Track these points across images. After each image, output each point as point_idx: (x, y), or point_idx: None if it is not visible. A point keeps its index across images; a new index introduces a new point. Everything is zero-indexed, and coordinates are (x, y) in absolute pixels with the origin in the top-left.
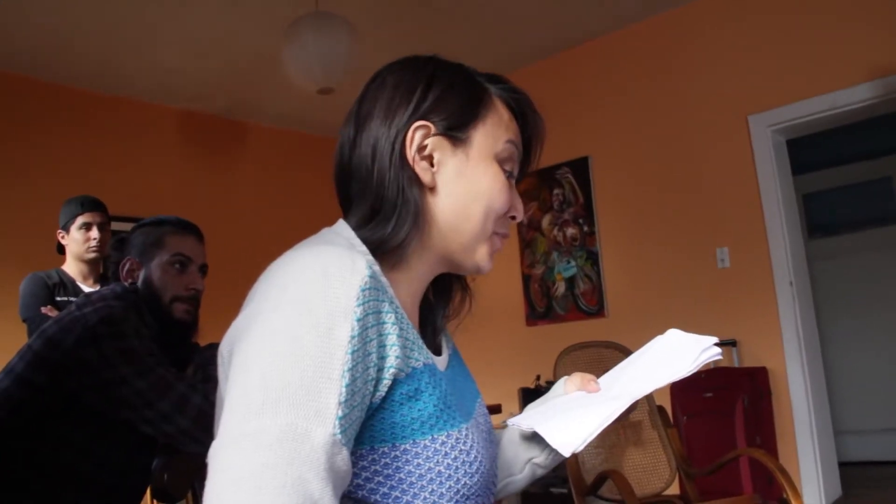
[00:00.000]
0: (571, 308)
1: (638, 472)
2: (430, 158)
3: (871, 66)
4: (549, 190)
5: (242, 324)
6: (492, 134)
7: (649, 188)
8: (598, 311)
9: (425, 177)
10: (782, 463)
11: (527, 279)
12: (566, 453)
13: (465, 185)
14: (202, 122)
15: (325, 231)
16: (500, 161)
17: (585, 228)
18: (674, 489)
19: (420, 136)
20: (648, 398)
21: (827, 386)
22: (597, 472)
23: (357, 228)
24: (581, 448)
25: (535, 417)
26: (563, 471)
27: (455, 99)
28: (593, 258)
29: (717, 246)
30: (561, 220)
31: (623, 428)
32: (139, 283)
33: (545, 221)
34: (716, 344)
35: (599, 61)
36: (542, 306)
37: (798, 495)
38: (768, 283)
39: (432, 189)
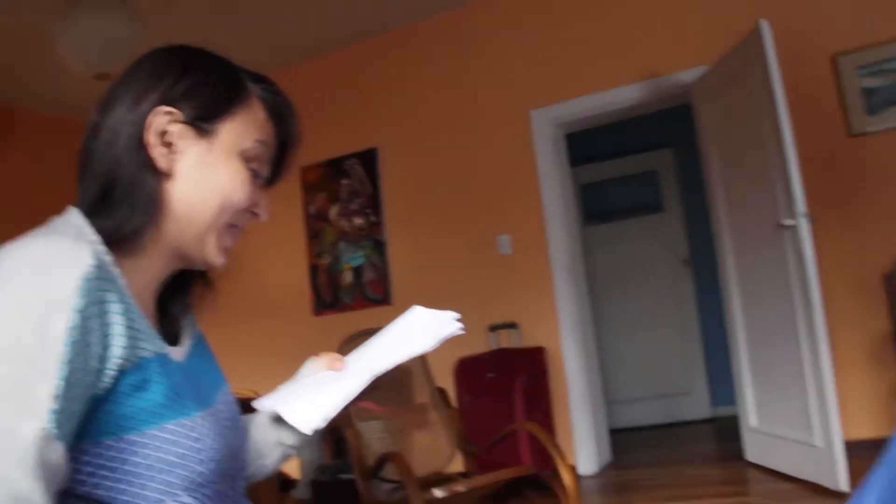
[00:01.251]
0: (358, 297)
1: (421, 453)
2: (171, 145)
3: (640, 68)
4: (338, 181)
5: None
6: (241, 131)
7: (435, 179)
8: (384, 299)
9: (162, 162)
10: (560, 434)
11: (314, 269)
12: (306, 430)
13: (204, 175)
14: None
15: (55, 221)
16: (247, 159)
17: (373, 218)
18: (459, 467)
19: (163, 121)
20: (429, 381)
21: (601, 361)
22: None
23: (89, 215)
24: (322, 425)
25: (278, 398)
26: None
27: (207, 90)
28: (380, 248)
29: (498, 233)
30: (349, 210)
31: (406, 412)
32: None
33: (333, 212)
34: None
35: (389, 55)
36: (329, 296)
37: (564, 462)
38: (547, 269)
39: (169, 176)
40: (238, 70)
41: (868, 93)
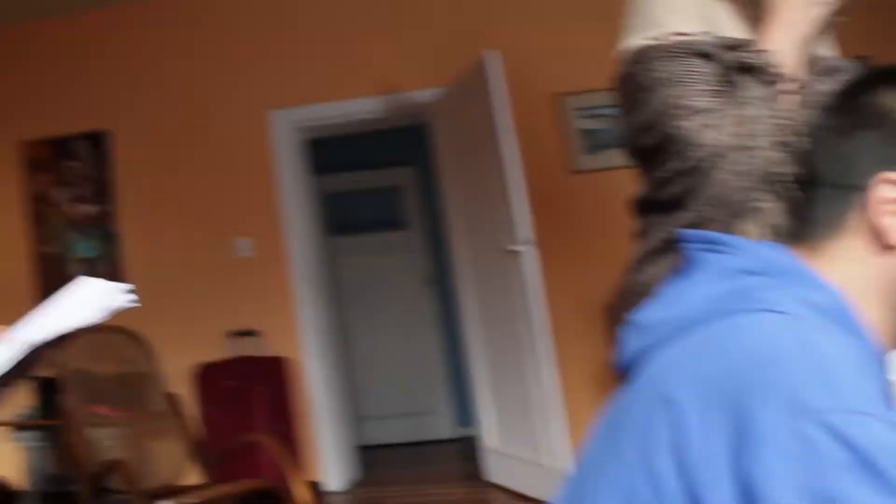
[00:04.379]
0: None
1: (155, 463)
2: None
3: (381, 82)
4: (66, 161)
5: None
6: None
7: (173, 172)
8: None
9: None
10: (304, 447)
11: (41, 258)
12: None
13: None
14: None
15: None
16: None
17: (105, 207)
18: (196, 478)
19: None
20: (164, 387)
21: (351, 374)
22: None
23: None
24: None
25: None
26: None
27: None
28: (112, 239)
29: (236, 236)
30: (77, 195)
31: (141, 418)
32: None
33: (62, 196)
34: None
35: (128, 29)
36: (58, 287)
37: (298, 476)
38: (288, 277)
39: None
40: None
41: (587, 134)
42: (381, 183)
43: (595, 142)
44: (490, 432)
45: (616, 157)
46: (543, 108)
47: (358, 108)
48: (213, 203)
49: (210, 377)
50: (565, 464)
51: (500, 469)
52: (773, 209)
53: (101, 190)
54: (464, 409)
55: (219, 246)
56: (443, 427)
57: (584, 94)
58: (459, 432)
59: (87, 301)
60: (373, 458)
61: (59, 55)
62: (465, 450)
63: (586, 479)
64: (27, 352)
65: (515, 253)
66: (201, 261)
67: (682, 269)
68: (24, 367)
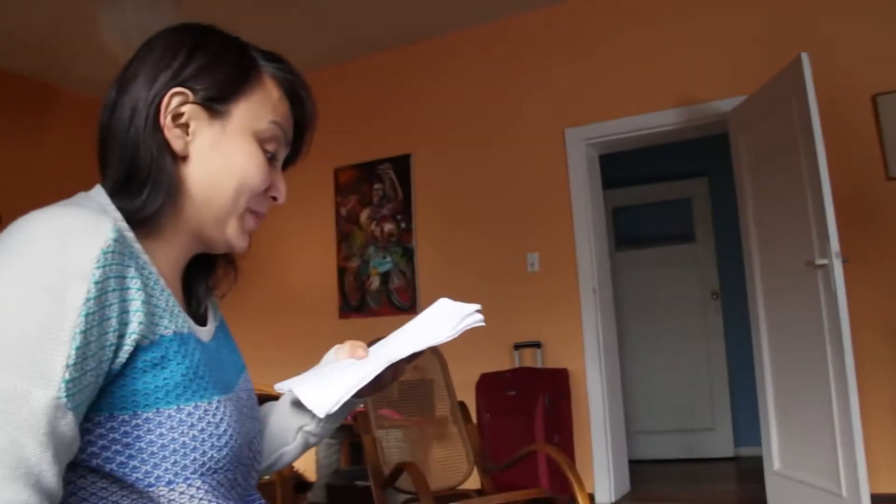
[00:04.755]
0: (384, 303)
1: (437, 466)
2: (185, 127)
3: (678, 93)
4: (370, 184)
5: None
6: (255, 111)
7: (468, 190)
8: (410, 306)
9: (177, 144)
10: (578, 459)
11: (342, 272)
12: (320, 413)
13: (219, 157)
14: (6, 82)
15: (79, 195)
16: (262, 140)
17: (403, 225)
18: (474, 484)
19: (176, 103)
20: (451, 395)
21: (623, 389)
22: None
23: (112, 195)
24: (334, 409)
25: (298, 381)
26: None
27: (220, 70)
28: (409, 255)
29: (528, 251)
30: (379, 215)
31: (427, 423)
32: None
33: (363, 216)
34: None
35: (429, 62)
36: (355, 300)
37: (582, 488)
38: (574, 289)
39: (185, 158)
40: (250, 49)
41: None
42: (670, 195)
43: None
44: (774, 454)
45: None
46: (860, 110)
47: (654, 121)
48: (506, 219)
49: (493, 387)
50: (864, 496)
51: (785, 494)
52: None
53: (400, 209)
54: (743, 427)
55: (512, 261)
56: (720, 445)
57: None
58: (738, 451)
59: (442, 320)
60: (643, 473)
61: (366, 90)
62: (743, 470)
63: None
64: (385, 368)
65: (820, 267)
66: (494, 274)
67: None
68: (380, 384)
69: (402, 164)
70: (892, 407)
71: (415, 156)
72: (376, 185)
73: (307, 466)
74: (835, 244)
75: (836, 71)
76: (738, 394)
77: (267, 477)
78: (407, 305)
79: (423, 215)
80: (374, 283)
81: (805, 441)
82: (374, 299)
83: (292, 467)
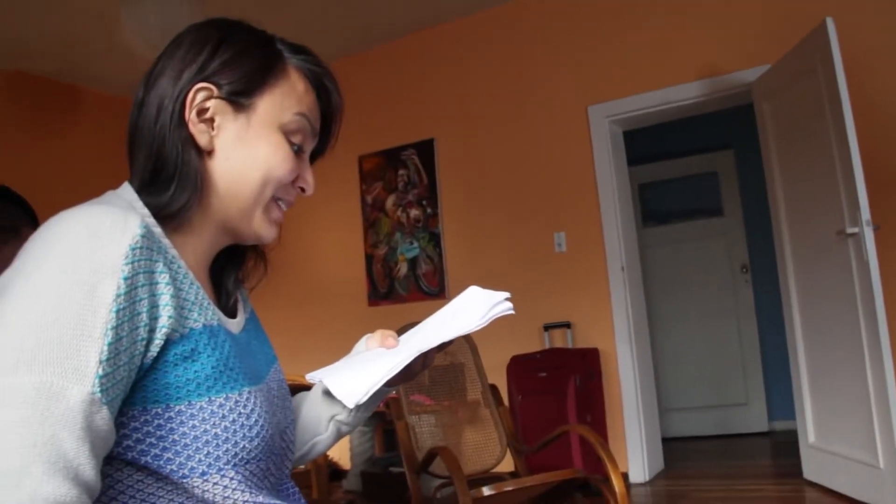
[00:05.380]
0: (413, 289)
1: (470, 450)
2: (210, 122)
3: (700, 65)
4: (395, 171)
5: (4, 280)
6: (279, 104)
7: (492, 172)
8: (439, 292)
9: (202, 139)
10: (611, 439)
11: (370, 259)
12: (350, 404)
13: (244, 151)
14: (32, 84)
15: (108, 193)
16: (288, 132)
17: (429, 210)
18: (508, 466)
19: (201, 98)
20: (482, 378)
21: (654, 366)
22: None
23: (140, 191)
24: (364, 399)
25: (328, 371)
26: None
27: (244, 64)
28: (435, 240)
29: (555, 231)
30: (405, 201)
31: (459, 407)
32: None
33: (389, 202)
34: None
35: (448, 45)
36: (384, 287)
37: (616, 468)
38: (602, 268)
39: (210, 152)
40: (275, 41)
41: None
42: (697, 169)
43: None
44: (809, 427)
45: None
46: (887, 73)
47: (677, 95)
48: (532, 200)
49: (523, 368)
50: None
51: (820, 467)
52: None
53: (425, 194)
54: (776, 401)
55: (540, 242)
56: (753, 420)
57: None
58: (772, 426)
59: (472, 308)
60: (676, 451)
61: (387, 76)
62: (778, 444)
63: None
64: (416, 356)
65: (851, 236)
66: (521, 256)
67: None
68: (411, 372)
69: (425, 149)
70: None
71: (438, 140)
72: (401, 171)
73: (342, 455)
74: (865, 212)
75: (861, 32)
76: (770, 368)
77: (302, 466)
78: (435, 290)
79: (449, 199)
80: (402, 269)
81: (840, 413)
82: (402, 285)
83: (326, 456)
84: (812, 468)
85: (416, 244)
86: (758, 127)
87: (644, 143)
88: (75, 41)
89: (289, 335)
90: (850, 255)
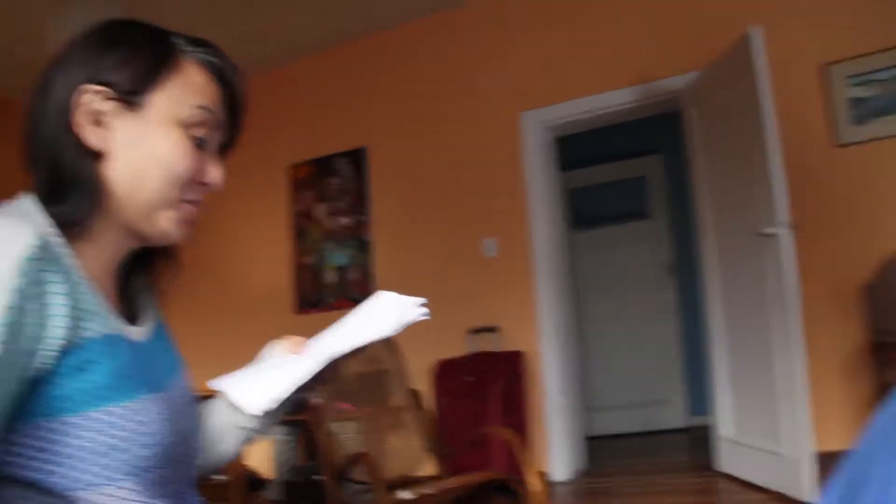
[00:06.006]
0: (341, 297)
1: (393, 455)
2: (103, 123)
3: (631, 72)
4: (326, 179)
5: None
6: (176, 98)
7: (424, 179)
8: (366, 298)
9: (94, 142)
10: (535, 439)
11: (299, 268)
12: (254, 412)
13: (141, 150)
14: None
15: (3, 205)
16: (188, 126)
17: (360, 217)
18: (434, 470)
19: (91, 101)
20: (405, 383)
21: (584, 368)
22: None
23: (44, 202)
24: (271, 406)
25: (232, 380)
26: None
27: (133, 61)
28: (365, 247)
29: (486, 236)
30: (336, 209)
31: (382, 413)
32: None
33: (320, 211)
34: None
35: (381, 55)
36: (313, 295)
37: (533, 469)
38: (530, 273)
39: (105, 155)
40: (169, 36)
41: (856, 103)
42: (626, 174)
43: (865, 111)
44: (726, 421)
45: (890, 124)
46: (808, 80)
47: (608, 101)
48: (463, 206)
49: (449, 372)
50: (807, 455)
51: (733, 459)
52: None
53: (357, 202)
54: (697, 398)
55: (468, 248)
56: (675, 417)
57: (854, 59)
58: (692, 422)
59: (384, 314)
60: (600, 449)
61: (317, 86)
62: (697, 439)
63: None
64: (327, 364)
65: (770, 237)
66: (450, 262)
67: None
68: (321, 379)
69: (357, 157)
70: (843, 370)
71: (369, 148)
72: (333, 180)
73: (264, 464)
74: (783, 213)
75: (785, 41)
76: (693, 366)
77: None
78: (363, 297)
79: (380, 207)
80: (331, 277)
81: (753, 407)
82: (331, 293)
83: (245, 466)
84: (726, 460)
85: (346, 252)
86: (685, 132)
87: (575, 148)
88: (5, 54)
89: (215, 344)
90: (768, 256)
